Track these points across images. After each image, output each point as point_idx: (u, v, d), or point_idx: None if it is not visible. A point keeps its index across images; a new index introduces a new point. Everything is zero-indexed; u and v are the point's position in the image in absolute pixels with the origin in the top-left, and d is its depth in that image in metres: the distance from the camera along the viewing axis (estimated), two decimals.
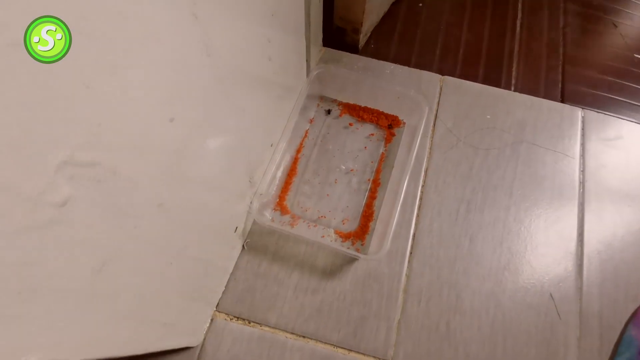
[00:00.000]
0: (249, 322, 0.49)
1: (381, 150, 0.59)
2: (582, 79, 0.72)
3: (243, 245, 0.53)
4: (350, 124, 0.61)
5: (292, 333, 0.49)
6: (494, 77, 0.70)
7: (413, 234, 0.55)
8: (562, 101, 0.67)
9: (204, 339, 0.48)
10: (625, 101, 0.68)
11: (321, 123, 0.61)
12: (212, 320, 0.49)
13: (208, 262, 0.42)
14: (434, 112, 0.62)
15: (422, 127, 0.56)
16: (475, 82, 0.67)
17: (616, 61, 0.74)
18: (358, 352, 0.48)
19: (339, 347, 0.48)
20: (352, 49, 0.72)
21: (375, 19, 0.73)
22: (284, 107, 0.54)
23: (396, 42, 0.74)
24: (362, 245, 0.53)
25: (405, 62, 0.71)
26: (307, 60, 0.59)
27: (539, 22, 0.79)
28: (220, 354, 0.48)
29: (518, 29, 0.78)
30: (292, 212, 0.55)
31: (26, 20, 0.15)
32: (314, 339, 0.49)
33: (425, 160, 0.59)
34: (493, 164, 0.59)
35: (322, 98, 0.63)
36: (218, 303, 0.50)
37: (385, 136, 0.60)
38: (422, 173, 0.58)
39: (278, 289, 0.51)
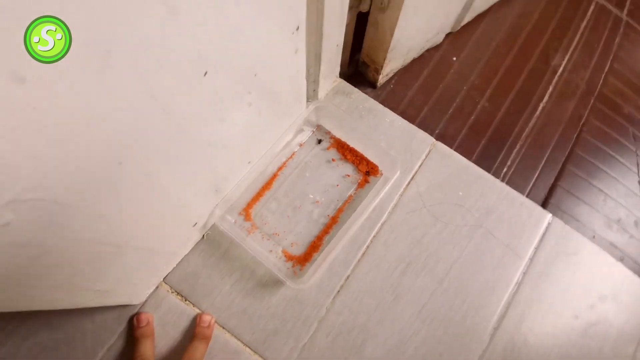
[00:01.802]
0: (185, 300, 0.58)
1: (351, 192, 0.64)
2: (575, 183, 0.72)
3: (203, 235, 0.61)
4: (333, 159, 0.66)
5: (216, 322, 0.58)
6: (488, 158, 0.72)
7: (347, 276, 0.61)
8: (544, 201, 0.69)
9: (146, 300, 0.58)
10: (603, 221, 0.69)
11: (309, 150, 0.67)
12: (157, 287, 0.59)
13: (155, 249, 0.50)
14: (413, 172, 0.66)
15: (391, 184, 0.61)
16: (469, 157, 0.68)
17: (621, 180, 0.74)
18: (262, 357, 0.57)
19: (248, 346, 0.57)
20: (371, 85, 0.76)
21: (401, 63, 0.76)
22: (274, 130, 0.60)
23: (415, 90, 0.77)
24: (300, 270, 0.60)
25: (412, 115, 0.74)
26: (314, 90, 0.64)
27: (562, 112, 0.78)
28: (155, 316, 0.57)
29: (538, 112, 0.78)
30: (253, 221, 0.62)
31: (26, 20, 0.16)
32: (230, 333, 0.57)
33: (386, 214, 0.64)
34: (446, 238, 0.63)
35: (319, 127, 0.68)
36: (167, 275, 0.59)
37: (359, 180, 0.65)
38: (379, 225, 0.63)
39: (218, 282, 0.59)
